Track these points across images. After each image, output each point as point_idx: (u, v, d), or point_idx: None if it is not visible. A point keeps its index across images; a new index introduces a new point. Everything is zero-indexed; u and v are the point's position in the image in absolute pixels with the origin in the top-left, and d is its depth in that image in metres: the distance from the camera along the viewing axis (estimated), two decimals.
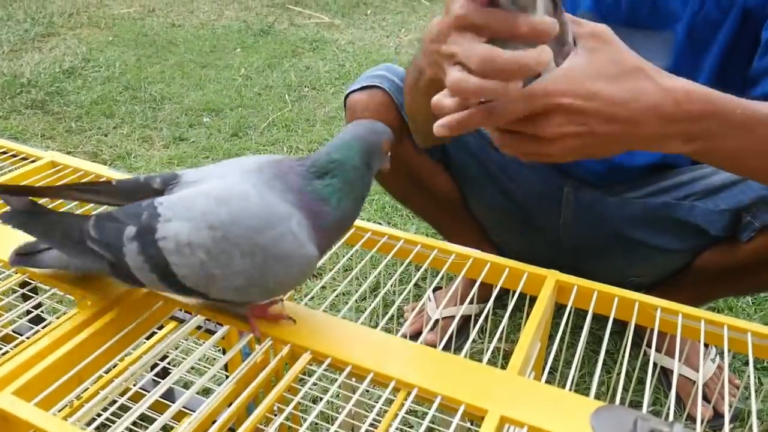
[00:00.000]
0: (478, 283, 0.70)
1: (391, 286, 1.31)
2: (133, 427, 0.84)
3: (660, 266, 1.13)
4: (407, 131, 1.05)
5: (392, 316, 1.26)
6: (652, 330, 0.65)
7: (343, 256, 1.46)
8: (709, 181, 1.01)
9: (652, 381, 1.18)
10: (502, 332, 0.77)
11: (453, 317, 1.25)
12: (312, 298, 1.36)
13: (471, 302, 0.75)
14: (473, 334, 0.68)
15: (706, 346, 1.13)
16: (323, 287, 1.38)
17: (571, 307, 0.68)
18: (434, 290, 1.36)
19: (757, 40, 0.87)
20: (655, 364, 1.21)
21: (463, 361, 0.55)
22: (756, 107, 0.60)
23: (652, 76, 0.56)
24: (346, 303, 1.31)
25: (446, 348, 1.19)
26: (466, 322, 1.29)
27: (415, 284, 1.43)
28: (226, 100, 2.42)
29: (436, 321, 1.23)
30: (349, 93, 1.10)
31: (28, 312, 0.96)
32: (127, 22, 3.49)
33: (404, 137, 1.06)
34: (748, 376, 0.58)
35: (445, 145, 1.11)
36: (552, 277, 0.67)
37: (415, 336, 1.26)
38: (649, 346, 1.17)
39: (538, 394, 0.52)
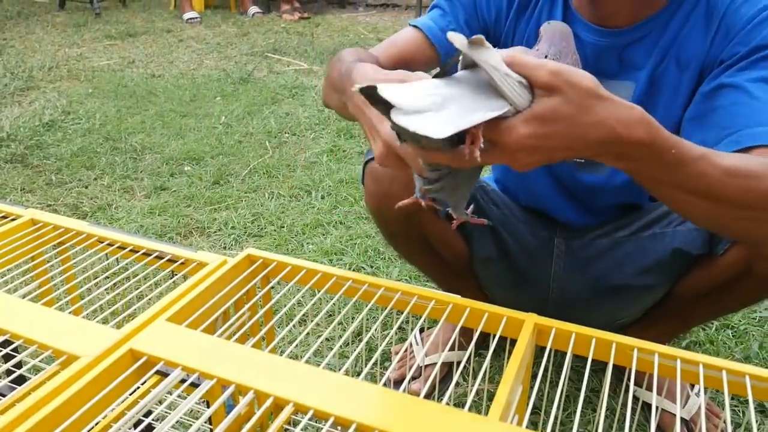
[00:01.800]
0: (458, 329, 0.71)
1: (375, 330, 1.32)
2: None
3: (645, 303, 1.15)
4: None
5: (377, 360, 1.26)
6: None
7: (327, 302, 1.46)
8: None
9: (633, 417, 1.19)
10: (485, 374, 0.78)
11: (437, 362, 1.26)
12: (297, 345, 1.36)
13: (452, 348, 0.76)
14: (456, 378, 0.69)
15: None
16: (308, 334, 1.38)
17: (551, 349, 0.69)
18: (420, 330, 1.37)
19: None
20: (637, 398, 1.22)
21: (446, 409, 0.56)
22: (692, 151, 0.66)
23: (609, 102, 0.61)
24: (331, 349, 1.30)
25: (431, 394, 1.20)
26: (451, 366, 1.30)
27: (400, 327, 1.44)
28: (206, 149, 2.44)
29: (420, 368, 1.24)
30: (369, 160, 1.08)
31: (9, 372, 0.95)
32: (107, 74, 3.52)
33: (426, 209, 1.09)
34: (740, 412, 0.59)
35: None
36: (530, 320, 0.69)
37: (399, 381, 1.26)
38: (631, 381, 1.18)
39: None
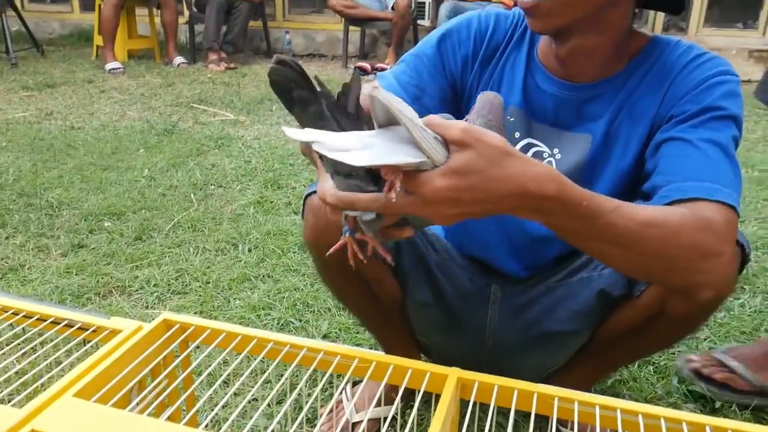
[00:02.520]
0: (383, 386, 0.70)
1: (302, 389, 1.29)
2: None
3: (573, 348, 1.17)
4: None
5: (303, 419, 1.23)
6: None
7: (253, 361, 1.42)
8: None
9: None
10: (412, 429, 0.77)
11: (368, 419, 1.24)
12: (224, 406, 1.31)
13: (380, 404, 0.75)
14: None
15: None
16: (235, 394, 1.33)
17: (475, 402, 0.69)
18: (353, 384, 1.34)
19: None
20: None
21: None
22: (605, 204, 0.71)
23: (519, 160, 0.65)
24: (257, 409, 1.26)
25: None
26: (380, 421, 1.28)
27: (329, 382, 1.41)
28: (128, 203, 2.37)
29: (349, 424, 1.21)
30: (311, 193, 1.07)
31: None
32: (23, 126, 3.40)
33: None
34: None
35: (399, 248, 1.14)
36: (454, 374, 0.69)
37: None
38: (563, 425, 1.20)
39: None
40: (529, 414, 0.68)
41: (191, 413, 0.70)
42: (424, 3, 5.72)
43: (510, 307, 1.18)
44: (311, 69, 5.22)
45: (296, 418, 1.16)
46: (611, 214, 0.71)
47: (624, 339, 1.08)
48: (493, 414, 0.67)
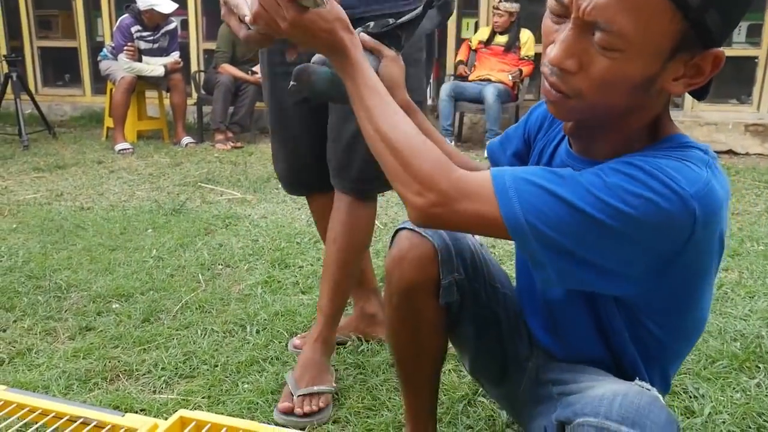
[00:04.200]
0: None
1: None
2: None
3: None
4: (437, 288, 1.12)
5: None
6: None
7: None
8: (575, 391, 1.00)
9: None
10: None
11: None
12: None
13: None
14: None
15: None
16: None
17: None
18: None
19: None
20: None
21: None
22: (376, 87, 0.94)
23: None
24: None
25: None
26: None
27: None
28: (136, 284, 2.37)
29: None
30: (402, 228, 1.15)
31: None
32: (33, 208, 3.45)
33: (432, 293, 1.12)
34: None
35: (463, 301, 1.16)
36: None
37: None
38: None
39: None
40: None
41: None
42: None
43: (532, 393, 1.17)
44: None
45: None
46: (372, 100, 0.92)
47: None
48: None
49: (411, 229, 1.13)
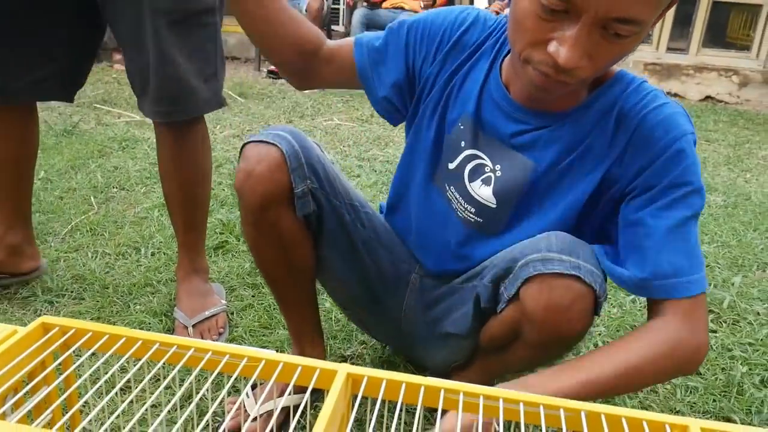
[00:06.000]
0: (270, 382, 0.70)
1: (205, 392, 1.25)
2: None
3: (466, 350, 1.20)
4: (291, 198, 1.08)
5: (207, 425, 1.20)
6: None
7: (155, 365, 1.37)
8: (494, 260, 1.09)
9: None
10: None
11: (272, 411, 1.23)
12: (119, 415, 1.26)
13: (288, 394, 0.74)
14: (293, 423, 0.67)
15: None
16: (132, 402, 1.28)
17: (364, 397, 0.70)
18: (253, 386, 1.32)
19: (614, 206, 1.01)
20: None
21: None
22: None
23: None
24: (158, 416, 1.22)
25: None
26: (288, 415, 1.27)
27: (233, 387, 1.39)
28: None
29: (255, 418, 1.20)
30: (248, 142, 1.09)
31: None
32: None
33: (286, 203, 1.08)
34: None
35: (321, 215, 1.13)
36: (343, 370, 0.69)
37: (236, 430, 1.21)
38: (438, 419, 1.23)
39: None
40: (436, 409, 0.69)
41: (88, 419, 0.66)
42: (338, 9, 5.74)
43: (423, 300, 1.21)
44: None
45: (199, 423, 1.13)
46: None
47: (496, 351, 1.11)
48: (378, 407, 0.68)
49: (256, 141, 1.08)
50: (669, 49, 5.72)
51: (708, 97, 5.37)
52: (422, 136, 1.14)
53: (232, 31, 5.90)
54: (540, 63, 0.86)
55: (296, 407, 1.24)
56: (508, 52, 1.03)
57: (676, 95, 5.42)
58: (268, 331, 1.58)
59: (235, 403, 1.18)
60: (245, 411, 1.24)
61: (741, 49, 5.67)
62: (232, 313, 1.65)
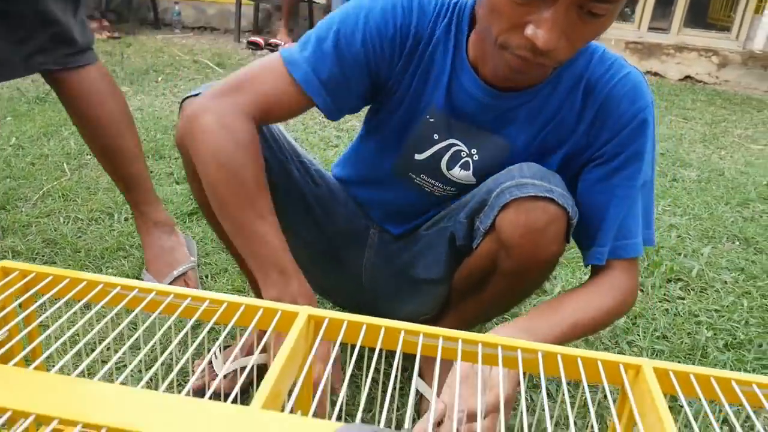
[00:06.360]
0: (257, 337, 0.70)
1: (174, 348, 1.25)
2: None
3: (440, 297, 1.21)
4: None
5: (173, 380, 1.20)
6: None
7: (110, 310, 1.37)
8: (467, 197, 1.09)
9: (413, 403, 1.24)
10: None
11: (243, 368, 1.23)
12: (88, 373, 1.25)
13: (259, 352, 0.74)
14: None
15: None
16: (94, 342, 1.28)
17: (322, 338, 0.70)
18: (225, 347, 1.33)
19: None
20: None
21: (210, 404, 0.54)
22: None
23: None
24: (126, 367, 1.22)
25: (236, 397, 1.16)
26: (262, 372, 1.27)
27: (203, 344, 1.39)
28: None
29: (225, 377, 1.20)
30: (187, 97, 1.04)
31: None
32: None
33: None
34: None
35: (271, 173, 1.07)
36: (304, 313, 0.69)
37: (200, 392, 1.21)
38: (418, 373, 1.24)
39: (279, 424, 0.52)
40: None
41: (57, 367, 0.66)
42: None
43: (384, 252, 1.21)
44: (202, 43, 5.05)
45: (166, 378, 1.13)
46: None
47: (472, 291, 1.12)
48: (338, 347, 0.69)
49: (198, 94, 1.01)
50: (650, 29, 5.73)
51: (687, 77, 5.40)
52: (385, 127, 1.11)
53: (211, 1, 5.82)
54: (518, 47, 0.86)
55: (265, 366, 1.25)
56: (470, 31, 1.01)
57: (656, 74, 5.45)
58: (242, 294, 1.58)
59: (201, 364, 1.17)
60: (212, 370, 1.24)
61: (721, 30, 5.70)
62: (207, 276, 1.65)
